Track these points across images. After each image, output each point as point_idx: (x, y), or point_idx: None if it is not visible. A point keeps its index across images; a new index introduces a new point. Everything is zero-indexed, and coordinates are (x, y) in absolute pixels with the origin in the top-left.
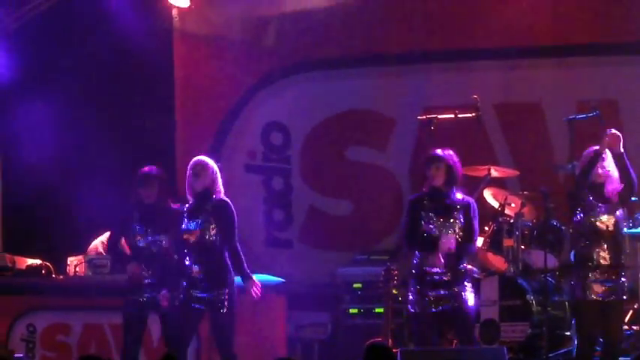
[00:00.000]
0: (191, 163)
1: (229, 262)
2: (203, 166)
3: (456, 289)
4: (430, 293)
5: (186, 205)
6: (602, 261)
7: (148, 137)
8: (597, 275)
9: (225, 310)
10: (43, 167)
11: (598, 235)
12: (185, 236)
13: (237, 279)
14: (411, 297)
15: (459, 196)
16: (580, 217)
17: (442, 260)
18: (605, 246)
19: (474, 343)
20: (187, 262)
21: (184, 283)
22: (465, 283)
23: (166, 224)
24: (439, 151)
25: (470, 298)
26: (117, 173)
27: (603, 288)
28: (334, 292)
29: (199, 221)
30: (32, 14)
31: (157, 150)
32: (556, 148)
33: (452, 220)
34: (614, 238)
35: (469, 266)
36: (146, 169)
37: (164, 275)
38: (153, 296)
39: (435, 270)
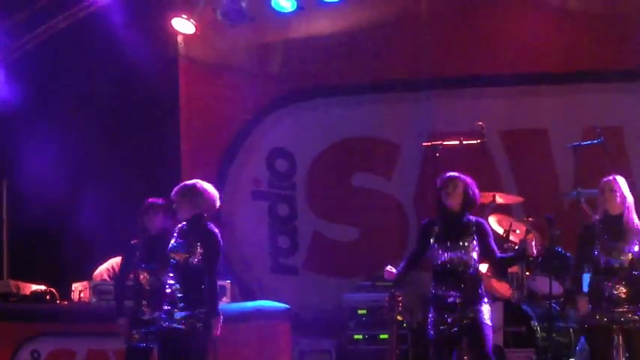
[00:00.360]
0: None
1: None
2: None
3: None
4: (447, 317)
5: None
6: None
7: (154, 164)
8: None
9: (201, 329)
10: (49, 195)
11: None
12: (172, 255)
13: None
14: (429, 321)
15: (472, 218)
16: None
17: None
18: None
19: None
20: (171, 282)
21: (165, 304)
22: (483, 304)
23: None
24: (456, 173)
25: (487, 316)
26: (122, 201)
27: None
28: (339, 318)
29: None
30: (38, 41)
31: (163, 177)
32: (561, 174)
33: (466, 244)
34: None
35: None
36: (151, 199)
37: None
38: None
39: (452, 293)
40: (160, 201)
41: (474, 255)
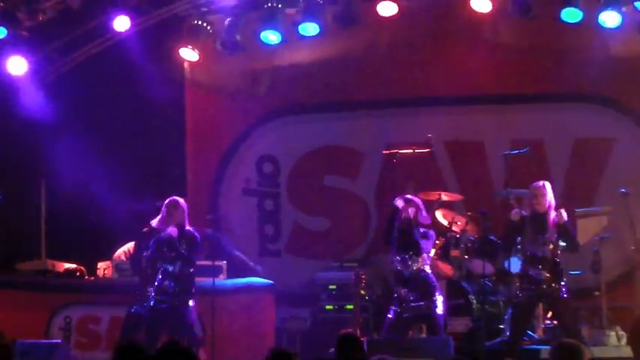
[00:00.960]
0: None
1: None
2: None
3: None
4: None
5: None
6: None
7: (164, 165)
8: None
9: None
10: (77, 192)
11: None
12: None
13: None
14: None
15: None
16: None
17: None
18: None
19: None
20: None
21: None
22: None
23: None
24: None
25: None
26: (136, 196)
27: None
28: (313, 292)
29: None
30: (71, 65)
31: (172, 176)
32: (494, 177)
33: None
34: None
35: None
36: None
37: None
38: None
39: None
40: (173, 201)
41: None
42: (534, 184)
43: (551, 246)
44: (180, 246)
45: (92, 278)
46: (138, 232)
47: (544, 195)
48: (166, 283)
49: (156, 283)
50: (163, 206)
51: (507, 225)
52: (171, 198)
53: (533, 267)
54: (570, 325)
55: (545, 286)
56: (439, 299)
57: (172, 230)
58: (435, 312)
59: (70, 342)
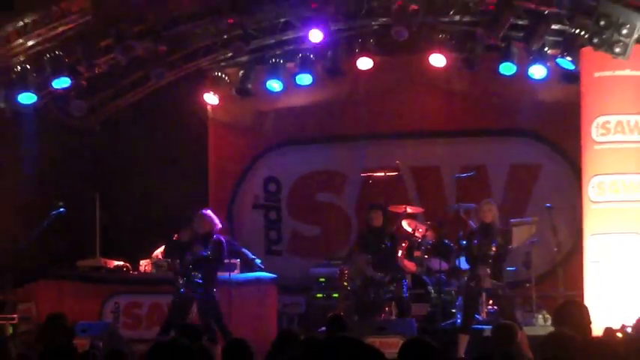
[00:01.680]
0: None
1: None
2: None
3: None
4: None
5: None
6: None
7: (191, 185)
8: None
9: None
10: (123, 203)
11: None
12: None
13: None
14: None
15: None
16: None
17: None
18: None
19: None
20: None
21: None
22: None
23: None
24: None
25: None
26: (169, 209)
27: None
28: (307, 283)
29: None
30: (118, 108)
31: (196, 193)
32: (448, 194)
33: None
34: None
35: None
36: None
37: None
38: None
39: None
40: (204, 211)
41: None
42: (483, 200)
43: (494, 249)
44: (206, 249)
45: (135, 273)
46: (169, 238)
47: (490, 210)
48: (194, 274)
49: (185, 277)
50: (195, 217)
51: (461, 233)
52: (201, 210)
53: (479, 266)
54: (507, 310)
55: (488, 283)
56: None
57: (200, 236)
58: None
59: (119, 323)
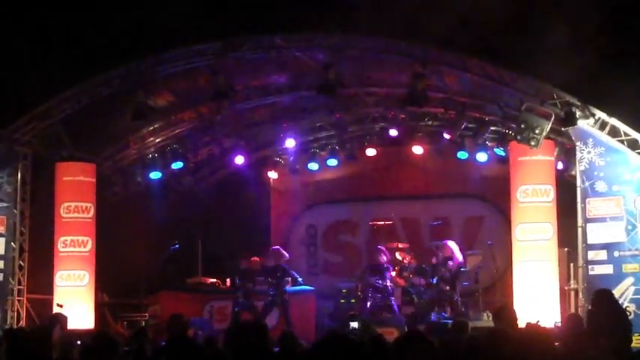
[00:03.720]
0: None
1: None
2: (274, 252)
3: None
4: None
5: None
6: None
7: (259, 236)
8: None
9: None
10: (219, 244)
11: None
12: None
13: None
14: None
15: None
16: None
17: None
18: None
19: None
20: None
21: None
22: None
23: (278, 274)
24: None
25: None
26: (245, 249)
27: None
28: (334, 293)
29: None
30: (208, 184)
31: (261, 238)
32: (424, 236)
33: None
34: None
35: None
36: (274, 247)
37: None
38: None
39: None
40: (275, 249)
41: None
42: (445, 240)
43: (449, 273)
44: (277, 273)
45: (223, 287)
46: (243, 267)
47: (450, 247)
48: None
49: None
50: (270, 250)
51: (431, 263)
52: (274, 247)
53: (442, 283)
54: (460, 311)
55: (448, 292)
56: (393, 299)
57: (273, 264)
58: (393, 304)
59: (212, 319)
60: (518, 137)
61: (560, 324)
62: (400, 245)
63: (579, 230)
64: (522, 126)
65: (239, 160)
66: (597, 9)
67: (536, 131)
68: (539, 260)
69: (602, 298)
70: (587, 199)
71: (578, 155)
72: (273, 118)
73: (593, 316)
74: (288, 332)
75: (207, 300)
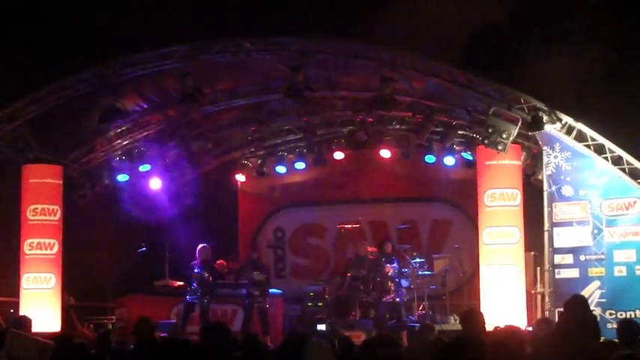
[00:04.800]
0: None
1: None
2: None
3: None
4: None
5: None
6: None
7: (226, 237)
8: None
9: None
10: (185, 245)
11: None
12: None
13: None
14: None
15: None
16: None
17: None
18: None
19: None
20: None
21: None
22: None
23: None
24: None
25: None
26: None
27: None
28: (302, 296)
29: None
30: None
31: (229, 241)
32: (393, 238)
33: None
34: None
35: None
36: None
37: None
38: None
39: None
40: (253, 255)
41: None
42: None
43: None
44: (256, 271)
45: (189, 289)
46: (214, 269)
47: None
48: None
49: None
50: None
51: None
52: (251, 252)
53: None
54: (428, 314)
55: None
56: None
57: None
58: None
59: (180, 322)
60: (486, 141)
61: (530, 328)
62: (369, 249)
63: (546, 234)
64: (490, 130)
65: (207, 163)
66: (564, 14)
67: (504, 135)
68: (506, 264)
69: (579, 302)
70: (554, 204)
71: (545, 160)
72: (241, 122)
73: (564, 319)
74: (252, 334)
75: (174, 303)
